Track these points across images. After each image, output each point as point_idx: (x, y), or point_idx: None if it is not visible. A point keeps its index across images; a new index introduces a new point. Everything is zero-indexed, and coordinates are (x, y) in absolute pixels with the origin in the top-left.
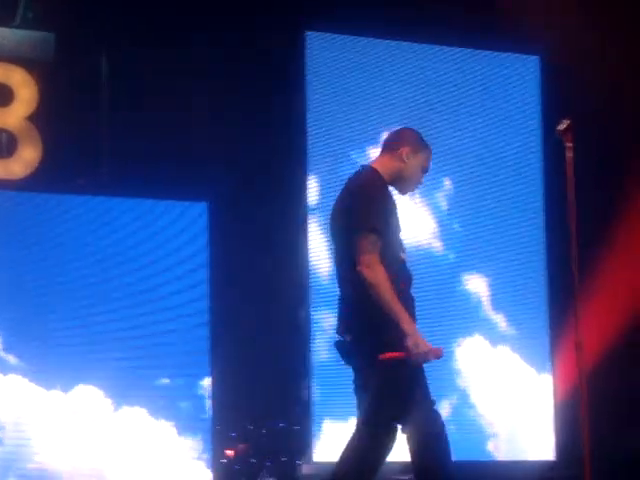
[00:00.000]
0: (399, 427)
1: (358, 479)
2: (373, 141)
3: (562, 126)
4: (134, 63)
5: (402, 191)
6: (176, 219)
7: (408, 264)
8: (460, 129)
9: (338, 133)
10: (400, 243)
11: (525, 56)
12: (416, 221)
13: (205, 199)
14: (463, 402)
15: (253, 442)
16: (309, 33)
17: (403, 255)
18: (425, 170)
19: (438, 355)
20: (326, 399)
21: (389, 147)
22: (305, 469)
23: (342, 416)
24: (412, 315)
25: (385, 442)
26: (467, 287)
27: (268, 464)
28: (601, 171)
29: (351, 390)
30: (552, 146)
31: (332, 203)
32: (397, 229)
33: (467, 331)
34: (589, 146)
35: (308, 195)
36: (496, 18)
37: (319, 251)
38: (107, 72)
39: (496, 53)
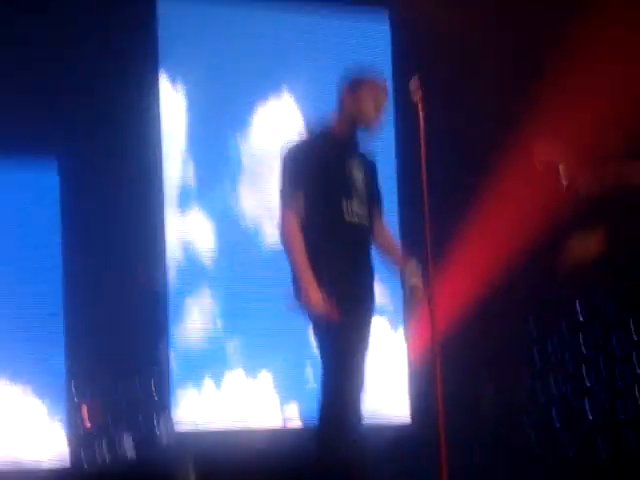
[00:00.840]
0: None
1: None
2: (225, 111)
3: (414, 86)
4: None
5: (361, 129)
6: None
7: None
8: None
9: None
10: (339, 201)
11: (374, 9)
12: None
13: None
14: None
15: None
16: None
17: (350, 217)
18: (376, 101)
19: (330, 316)
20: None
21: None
22: (165, 440)
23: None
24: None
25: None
26: None
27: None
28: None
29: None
30: (404, 111)
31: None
32: (333, 189)
33: None
34: (443, 107)
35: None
36: None
37: (175, 209)
38: None
39: (346, 9)
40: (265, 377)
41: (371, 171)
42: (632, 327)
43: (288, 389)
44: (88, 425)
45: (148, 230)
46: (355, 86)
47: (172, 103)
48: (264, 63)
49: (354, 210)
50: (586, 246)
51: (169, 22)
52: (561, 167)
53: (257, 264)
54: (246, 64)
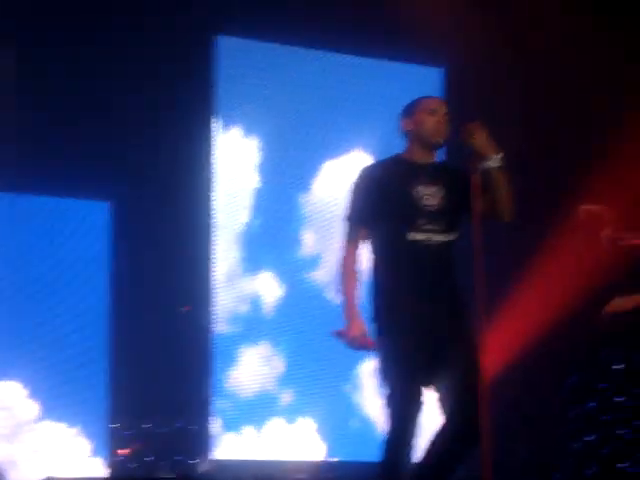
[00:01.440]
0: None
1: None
2: (280, 148)
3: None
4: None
5: (432, 146)
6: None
7: (425, 243)
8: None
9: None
10: (405, 222)
11: (429, 68)
12: None
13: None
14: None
15: (150, 441)
16: (221, 36)
17: (413, 235)
18: (433, 112)
19: (363, 345)
20: (226, 399)
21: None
22: (202, 467)
23: (242, 416)
24: (387, 302)
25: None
26: None
27: (162, 463)
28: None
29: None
30: None
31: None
32: (394, 208)
33: None
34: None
35: (212, 203)
36: (403, 29)
37: (223, 260)
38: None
39: (399, 64)
40: (307, 422)
41: (456, 184)
42: None
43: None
44: (129, 459)
45: (196, 272)
46: (410, 109)
47: (226, 151)
48: (324, 109)
49: (422, 228)
50: (627, 304)
51: (227, 68)
52: (604, 217)
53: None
54: (307, 111)
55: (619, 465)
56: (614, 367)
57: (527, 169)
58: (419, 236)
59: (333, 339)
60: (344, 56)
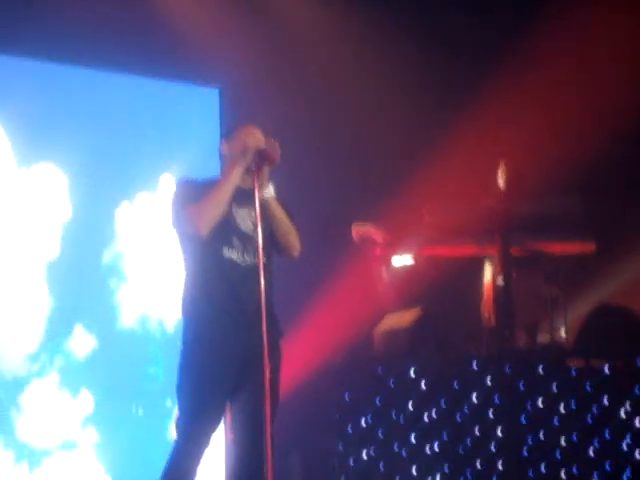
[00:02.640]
0: None
1: None
2: (34, 157)
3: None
4: None
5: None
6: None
7: (237, 262)
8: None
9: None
10: (221, 238)
11: (206, 89)
12: None
13: None
14: None
15: None
16: None
17: (228, 252)
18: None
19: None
20: None
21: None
22: None
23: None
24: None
25: None
26: None
27: None
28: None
29: None
30: None
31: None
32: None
33: None
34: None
35: None
36: (177, 48)
37: None
38: None
39: (175, 83)
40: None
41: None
42: (442, 401)
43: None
44: None
45: None
46: (227, 135)
47: None
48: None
49: (236, 247)
50: (400, 320)
51: None
52: (374, 235)
53: None
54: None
55: None
56: (389, 384)
57: (311, 185)
58: (233, 255)
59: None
60: (115, 74)
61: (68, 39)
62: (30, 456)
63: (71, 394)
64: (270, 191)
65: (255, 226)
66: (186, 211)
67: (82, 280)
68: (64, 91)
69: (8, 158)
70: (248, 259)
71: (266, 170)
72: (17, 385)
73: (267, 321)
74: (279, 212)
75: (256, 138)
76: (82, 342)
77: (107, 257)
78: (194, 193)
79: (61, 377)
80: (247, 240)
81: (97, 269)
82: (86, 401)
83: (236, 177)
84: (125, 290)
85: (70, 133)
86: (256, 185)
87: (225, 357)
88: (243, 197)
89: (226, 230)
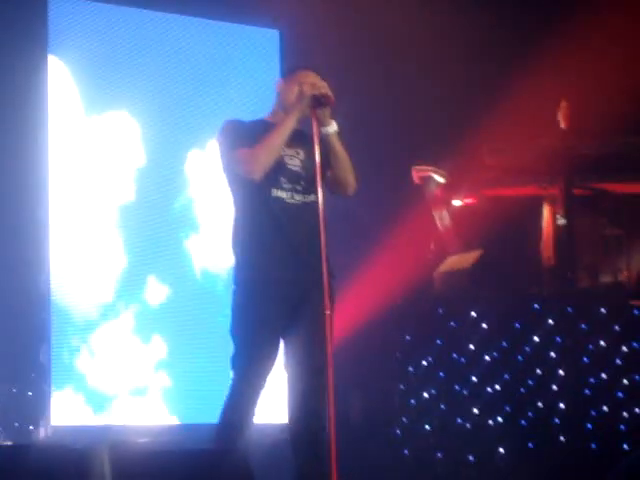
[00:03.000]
0: None
1: None
2: (107, 104)
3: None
4: None
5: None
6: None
7: (287, 201)
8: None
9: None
10: (270, 178)
11: (266, 30)
12: None
13: None
14: None
15: None
16: None
17: (276, 191)
18: (302, 90)
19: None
20: (63, 364)
21: None
22: (42, 433)
23: (80, 382)
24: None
25: None
26: None
27: None
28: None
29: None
30: None
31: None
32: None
33: None
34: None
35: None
36: None
37: (59, 226)
38: None
39: (237, 25)
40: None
41: (313, 151)
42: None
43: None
44: None
45: (33, 232)
46: (286, 76)
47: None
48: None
49: (284, 186)
50: (462, 262)
51: (60, 29)
52: (434, 177)
53: None
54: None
55: (458, 420)
56: (450, 324)
57: (371, 133)
58: (282, 194)
59: None
60: (177, 16)
61: None
62: (99, 399)
63: (143, 340)
64: (333, 126)
65: (304, 164)
66: (239, 154)
67: (155, 228)
68: (129, 33)
69: (78, 104)
70: (297, 198)
71: (326, 109)
72: (90, 330)
73: (319, 259)
74: (339, 147)
75: (313, 85)
76: (155, 291)
77: (179, 204)
78: (245, 136)
79: (134, 323)
80: (296, 179)
81: (169, 216)
82: (158, 347)
83: (292, 124)
84: (196, 238)
85: (136, 76)
86: (315, 125)
87: (276, 297)
88: (291, 136)
89: (274, 170)
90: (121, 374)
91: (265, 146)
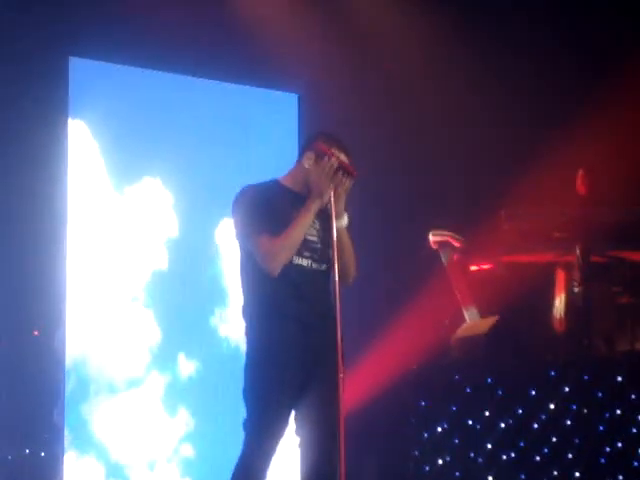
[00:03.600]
0: None
1: None
2: (133, 171)
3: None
4: None
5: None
6: None
7: (307, 269)
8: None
9: (100, 165)
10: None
11: (285, 93)
12: None
13: None
14: None
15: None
16: (73, 58)
17: (297, 259)
18: (340, 170)
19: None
20: (77, 426)
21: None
22: None
23: (93, 444)
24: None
25: None
26: None
27: None
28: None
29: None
30: None
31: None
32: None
33: None
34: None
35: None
36: (258, 56)
37: (76, 275)
38: None
39: (257, 89)
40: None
41: (329, 222)
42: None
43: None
44: None
45: (49, 288)
46: (308, 145)
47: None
48: (175, 126)
49: (304, 254)
50: (479, 328)
51: (81, 89)
52: (452, 243)
53: None
54: (158, 128)
55: None
56: (466, 390)
57: (388, 197)
58: (302, 261)
59: None
60: (198, 79)
61: (154, 46)
62: (114, 465)
63: (169, 412)
64: (345, 220)
65: (319, 235)
66: (259, 243)
67: (184, 299)
68: (150, 96)
69: (100, 169)
70: (314, 266)
71: (343, 195)
72: (109, 395)
73: (333, 324)
74: (347, 241)
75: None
76: (184, 365)
77: (208, 276)
78: (263, 213)
79: (160, 395)
80: (313, 249)
81: (199, 287)
82: (184, 420)
83: (311, 219)
84: (225, 311)
85: (158, 140)
86: (332, 201)
87: (289, 360)
88: None
89: None
90: (137, 442)
91: (286, 245)
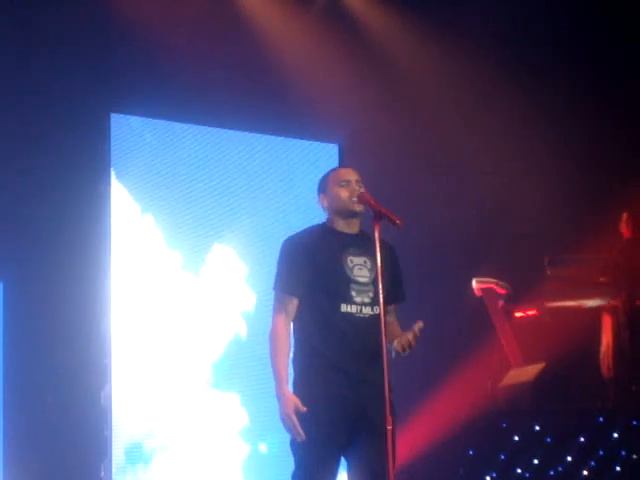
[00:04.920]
0: None
1: None
2: (177, 226)
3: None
4: None
5: (351, 214)
6: None
7: (357, 316)
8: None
9: (142, 217)
10: (338, 293)
11: (324, 144)
12: None
13: None
14: None
15: None
16: (114, 115)
17: (345, 306)
18: (346, 183)
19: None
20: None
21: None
22: None
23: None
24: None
25: None
26: None
27: None
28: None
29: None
30: None
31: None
32: (326, 279)
33: None
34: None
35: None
36: (297, 107)
37: (120, 329)
38: None
39: (297, 140)
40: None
41: (385, 256)
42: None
43: None
44: None
45: (93, 348)
46: (323, 186)
47: (123, 227)
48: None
49: (354, 300)
50: (524, 374)
51: (122, 145)
52: (496, 290)
53: None
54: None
55: None
56: (514, 439)
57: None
58: (351, 308)
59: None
60: (238, 133)
61: (195, 100)
62: None
63: None
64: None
65: (371, 274)
66: (274, 318)
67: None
68: (191, 150)
69: (140, 225)
70: (366, 311)
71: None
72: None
73: (381, 374)
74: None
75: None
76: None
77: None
78: (293, 269)
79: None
80: (365, 291)
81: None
82: None
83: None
84: None
85: (200, 193)
86: (377, 234)
87: (336, 411)
88: (357, 243)
89: (345, 283)
90: None
91: (273, 364)
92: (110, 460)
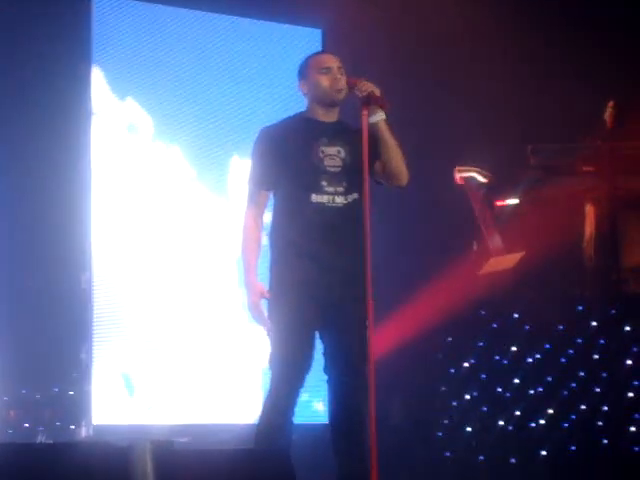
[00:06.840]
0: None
1: None
2: (158, 111)
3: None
4: None
5: (332, 103)
6: None
7: (328, 205)
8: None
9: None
10: (308, 184)
11: (308, 29)
12: None
13: None
14: None
15: (27, 407)
16: None
17: (316, 197)
18: (326, 70)
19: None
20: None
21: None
22: (83, 432)
23: (122, 380)
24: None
25: None
26: None
27: (41, 429)
28: None
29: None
30: None
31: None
32: (296, 170)
33: None
34: None
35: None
36: None
37: (101, 225)
38: None
39: (279, 24)
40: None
41: (358, 144)
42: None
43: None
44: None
45: (74, 233)
46: (303, 71)
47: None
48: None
49: (325, 190)
50: (504, 262)
51: (103, 28)
52: (477, 178)
53: None
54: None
55: (499, 422)
56: (493, 326)
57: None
58: (322, 198)
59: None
60: (222, 16)
61: None
62: (141, 398)
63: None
64: (381, 114)
65: (345, 163)
66: (247, 209)
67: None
68: (171, 32)
69: (118, 109)
70: (338, 200)
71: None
72: (133, 329)
73: (355, 262)
74: (389, 136)
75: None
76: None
77: None
78: (265, 165)
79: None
80: (337, 181)
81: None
82: (202, 348)
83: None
84: None
85: (178, 76)
86: (364, 120)
87: (307, 297)
88: (332, 132)
89: (315, 174)
90: (164, 374)
91: (242, 255)
92: (91, 342)
